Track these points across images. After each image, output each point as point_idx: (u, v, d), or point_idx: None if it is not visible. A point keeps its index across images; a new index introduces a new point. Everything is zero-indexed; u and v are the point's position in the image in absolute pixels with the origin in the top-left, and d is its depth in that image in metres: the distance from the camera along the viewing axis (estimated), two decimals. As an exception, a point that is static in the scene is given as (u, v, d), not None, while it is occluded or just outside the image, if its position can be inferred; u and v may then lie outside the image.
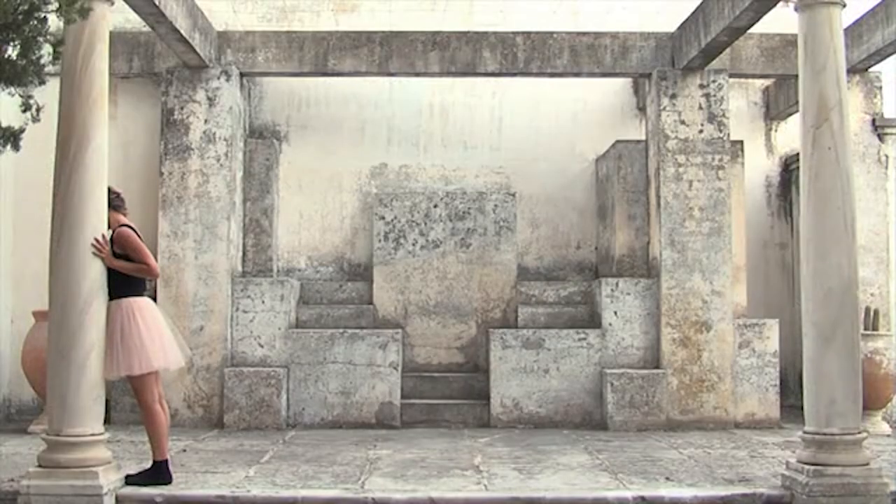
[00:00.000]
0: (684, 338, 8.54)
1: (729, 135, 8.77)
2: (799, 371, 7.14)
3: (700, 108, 8.71)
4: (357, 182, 9.86)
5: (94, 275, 5.48)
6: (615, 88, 9.93)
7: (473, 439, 7.76)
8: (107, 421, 5.98)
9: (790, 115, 9.69)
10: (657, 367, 8.62)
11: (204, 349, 8.50)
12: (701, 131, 8.69)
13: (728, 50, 8.47)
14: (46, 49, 5.31)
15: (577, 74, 9.00)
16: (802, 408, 5.77)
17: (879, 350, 8.24)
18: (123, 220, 5.83)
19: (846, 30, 6.88)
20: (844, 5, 5.76)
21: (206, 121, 8.71)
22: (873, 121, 9.20)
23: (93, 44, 5.53)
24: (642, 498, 5.54)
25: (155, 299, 7.69)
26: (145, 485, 5.62)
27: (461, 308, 9.28)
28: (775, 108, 9.93)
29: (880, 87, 9.24)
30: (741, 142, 9.40)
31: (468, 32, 8.95)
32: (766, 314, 9.45)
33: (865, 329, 8.20)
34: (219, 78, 8.75)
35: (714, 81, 8.73)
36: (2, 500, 5.43)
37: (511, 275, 9.34)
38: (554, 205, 9.88)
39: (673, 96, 8.71)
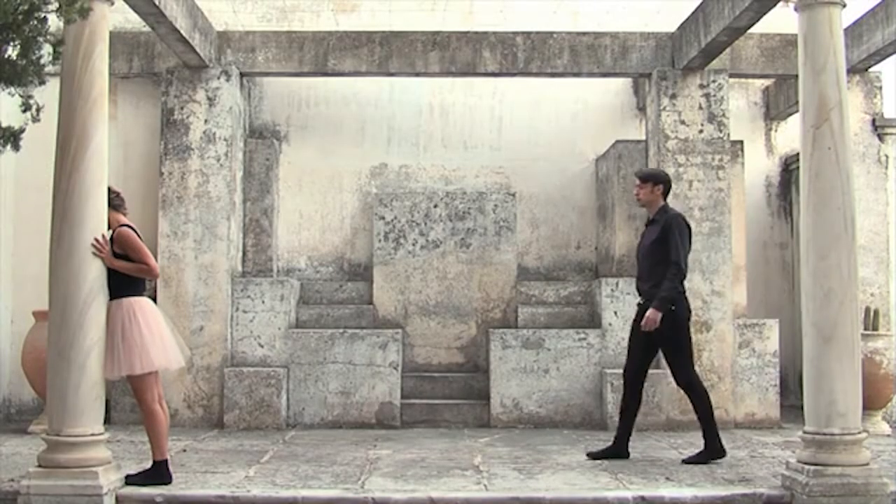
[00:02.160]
0: (684, 338, 8.53)
1: (729, 135, 8.77)
2: (799, 371, 7.14)
3: (700, 108, 8.71)
4: (357, 182, 9.86)
5: (94, 275, 5.48)
6: (615, 88, 9.94)
7: (473, 439, 7.76)
8: (107, 421, 5.98)
9: (790, 115, 9.69)
10: (657, 367, 8.61)
11: (204, 349, 8.50)
12: (701, 131, 8.70)
13: (728, 50, 8.47)
14: (46, 49, 5.31)
15: (577, 74, 9.00)
16: (802, 408, 5.77)
17: (879, 350, 8.24)
18: (123, 219, 5.83)
19: (846, 30, 6.89)
20: (844, 5, 5.76)
21: (206, 121, 8.71)
22: (873, 121, 9.21)
23: (93, 44, 5.52)
24: (642, 498, 5.55)
25: (155, 299, 7.70)
26: (145, 485, 5.62)
27: (461, 308, 9.28)
28: (775, 108, 9.93)
29: (880, 87, 9.24)
30: (741, 142, 9.40)
31: (468, 32, 8.95)
32: (766, 314, 9.46)
33: (865, 329, 8.20)
34: (219, 78, 8.75)
35: (714, 81, 8.73)
36: (2, 500, 5.43)
37: (511, 275, 9.34)
38: (554, 205, 9.88)
39: (673, 96, 8.71)
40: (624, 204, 9.08)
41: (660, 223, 6.70)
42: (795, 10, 5.82)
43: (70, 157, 5.46)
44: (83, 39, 5.50)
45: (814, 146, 5.65)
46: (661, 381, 8.43)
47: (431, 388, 8.93)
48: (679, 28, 8.68)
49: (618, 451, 6.81)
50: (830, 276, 5.57)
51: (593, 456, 6.80)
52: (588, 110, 9.96)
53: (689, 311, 6.79)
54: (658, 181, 6.81)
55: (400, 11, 9.72)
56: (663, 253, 6.59)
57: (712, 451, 6.61)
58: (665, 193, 6.84)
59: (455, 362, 9.23)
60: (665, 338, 6.66)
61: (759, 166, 9.99)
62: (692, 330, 6.85)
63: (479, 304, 9.29)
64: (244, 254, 9.18)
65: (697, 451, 6.78)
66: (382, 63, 8.84)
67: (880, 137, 9.23)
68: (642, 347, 6.79)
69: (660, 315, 6.52)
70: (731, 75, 8.89)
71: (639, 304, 6.88)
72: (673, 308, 6.58)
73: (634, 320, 6.87)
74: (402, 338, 8.81)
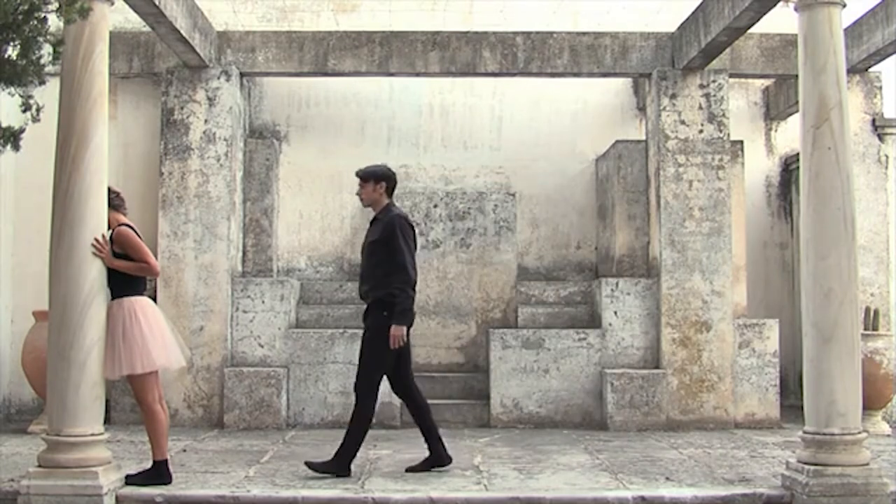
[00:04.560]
0: (684, 338, 8.54)
1: (729, 135, 8.77)
2: (799, 371, 7.14)
3: (700, 108, 8.71)
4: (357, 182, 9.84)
5: (94, 275, 5.48)
6: (615, 88, 9.94)
7: (473, 439, 7.76)
8: (107, 421, 5.98)
9: (790, 115, 9.70)
10: (657, 367, 8.63)
11: (204, 349, 8.50)
12: (701, 131, 8.69)
13: (728, 50, 8.47)
14: (46, 49, 5.31)
15: (577, 74, 9.00)
16: (802, 408, 5.77)
17: (879, 350, 8.24)
18: (123, 219, 5.83)
19: (846, 30, 6.89)
20: (844, 5, 5.76)
21: (206, 121, 8.71)
22: (873, 121, 9.21)
23: (93, 44, 5.52)
24: (642, 498, 5.54)
25: (155, 299, 7.70)
26: (145, 485, 5.62)
27: (461, 308, 9.28)
28: (775, 108, 9.93)
29: (880, 87, 9.24)
30: (741, 142, 9.41)
31: (468, 32, 8.95)
32: (766, 314, 9.47)
33: (865, 329, 8.20)
34: (219, 78, 8.75)
35: (714, 81, 8.73)
36: (2, 500, 5.43)
37: (511, 275, 9.34)
38: (554, 205, 9.88)
39: (673, 96, 8.71)
40: (624, 204, 9.09)
41: (382, 222, 6.22)
42: (795, 10, 5.82)
43: (70, 157, 5.46)
44: (83, 39, 5.49)
45: (814, 146, 5.65)
46: (660, 381, 8.43)
47: (431, 388, 8.89)
48: (679, 28, 8.68)
49: (438, 459, 6.28)
50: (830, 276, 5.57)
51: (412, 470, 6.25)
52: (588, 110, 9.96)
53: (412, 319, 6.25)
54: (379, 179, 6.30)
55: (400, 11, 9.73)
56: (384, 254, 6.11)
57: (336, 464, 6.12)
58: (389, 191, 6.33)
59: (455, 362, 9.23)
60: (366, 339, 6.20)
61: (759, 166, 9.99)
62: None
63: (479, 304, 9.29)
64: (244, 254, 9.17)
65: (422, 459, 6.31)
66: (382, 63, 8.84)
67: (880, 137, 9.24)
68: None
69: (404, 329, 6.07)
70: (731, 75, 8.90)
71: (365, 310, 6.34)
72: (385, 314, 6.10)
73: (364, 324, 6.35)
74: (402, 338, 8.80)
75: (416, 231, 6.21)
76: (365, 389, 6.23)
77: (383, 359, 6.19)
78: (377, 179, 6.32)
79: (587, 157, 9.92)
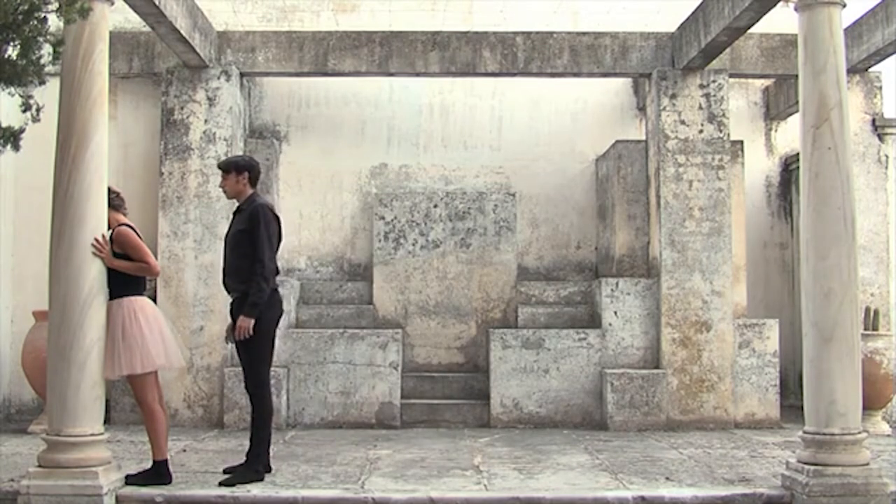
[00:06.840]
0: (684, 338, 8.54)
1: (729, 135, 8.77)
2: (799, 371, 7.14)
3: (700, 108, 8.71)
4: (357, 182, 9.86)
5: (94, 275, 5.48)
6: (615, 88, 9.94)
7: (473, 439, 7.76)
8: (107, 421, 5.98)
9: (790, 115, 9.70)
10: (657, 367, 8.63)
11: (204, 349, 8.50)
12: (701, 131, 8.69)
13: (728, 50, 8.48)
14: (46, 49, 5.30)
15: (577, 74, 9.00)
16: (802, 408, 5.77)
17: (879, 350, 8.24)
18: (123, 219, 5.84)
19: (846, 30, 6.90)
20: (844, 5, 5.76)
21: (206, 121, 8.71)
22: (873, 121, 9.21)
23: (93, 44, 5.53)
24: (642, 498, 5.55)
25: (155, 299, 7.70)
26: (145, 485, 5.62)
27: (461, 308, 9.28)
28: (775, 108, 9.93)
29: (880, 87, 9.24)
30: (741, 142, 9.40)
31: (468, 32, 8.95)
32: (766, 314, 9.47)
33: (865, 329, 8.21)
34: (219, 78, 8.75)
35: (714, 81, 8.73)
36: (2, 500, 5.44)
37: (511, 275, 9.34)
38: (554, 205, 9.88)
39: (673, 96, 8.71)
40: (624, 204, 9.09)
41: (246, 212, 6.05)
42: (795, 10, 5.83)
43: (70, 157, 5.46)
44: (83, 39, 5.50)
45: (814, 146, 5.66)
46: (660, 381, 8.43)
47: (431, 388, 8.93)
48: (679, 28, 8.68)
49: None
50: (830, 276, 5.57)
51: (228, 475, 5.98)
52: (588, 110, 9.96)
53: (280, 311, 6.17)
54: (241, 169, 6.12)
55: (400, 11, 9.73)
56: (248, 245, 5.95)
57: (251, 470, 5.96)
58: (252, 181, 6.15)
59: (455, 362, 9.23)
60: (244, 339, 5.95)
61: (759, 166, 9.99)
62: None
63: (479, 304, 9.29)
64: (244, 254, 9.15)
65: (239, 462, 6.15)
66: (382, 63, 8.84)
67: (880, 137, 9.24)
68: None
69: (252, 321, 5.86)
70: (731, 75, 8.89)
71: (231, 304, 6.14)
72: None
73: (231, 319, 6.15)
74: (402, 338, 8.81)
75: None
76: (259, 387, 6.09)
77: (265, 352, 6.08)
78: (239, 170, 6.14)
79: (587, 157, 9.92)
